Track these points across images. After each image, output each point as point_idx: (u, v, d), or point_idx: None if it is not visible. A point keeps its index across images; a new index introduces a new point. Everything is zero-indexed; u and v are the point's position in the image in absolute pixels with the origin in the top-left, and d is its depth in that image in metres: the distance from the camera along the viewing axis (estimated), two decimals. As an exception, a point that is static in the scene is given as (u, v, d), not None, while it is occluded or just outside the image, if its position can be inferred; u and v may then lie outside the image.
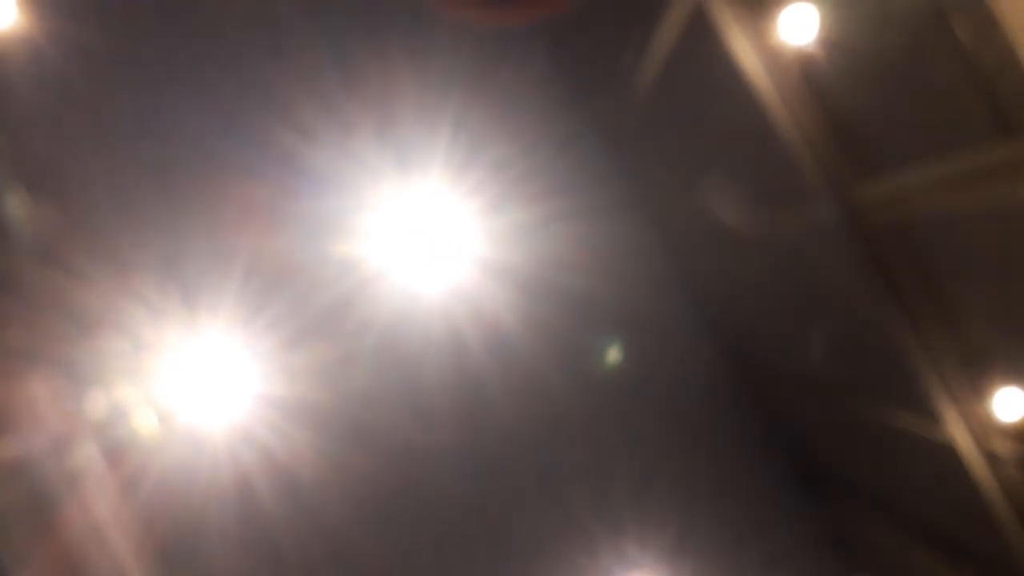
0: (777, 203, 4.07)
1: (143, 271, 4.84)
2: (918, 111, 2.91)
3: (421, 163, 5.02)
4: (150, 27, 4.98)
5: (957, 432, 3.51)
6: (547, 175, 5.36)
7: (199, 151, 4.99)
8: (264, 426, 4.96)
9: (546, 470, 5.66)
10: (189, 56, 5.02)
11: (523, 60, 5.43)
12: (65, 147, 4.94)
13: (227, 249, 4.92)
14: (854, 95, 3.22)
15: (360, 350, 5.21)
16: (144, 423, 4.60)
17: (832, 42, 3.13)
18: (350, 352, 5.19)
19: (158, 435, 4.65)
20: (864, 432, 4.60)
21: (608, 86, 5.18)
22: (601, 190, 5.68)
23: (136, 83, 4.99)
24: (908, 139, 3.06)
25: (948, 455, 3.63)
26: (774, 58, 3.40)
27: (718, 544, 5.61)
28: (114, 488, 4.34)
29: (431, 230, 5.09)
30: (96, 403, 4.41)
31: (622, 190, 5.77)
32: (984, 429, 3.42)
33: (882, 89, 3.05)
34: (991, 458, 3.46)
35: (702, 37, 3.62)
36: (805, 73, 3.37)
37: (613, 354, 5.81)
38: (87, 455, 4.27)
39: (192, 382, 4.74)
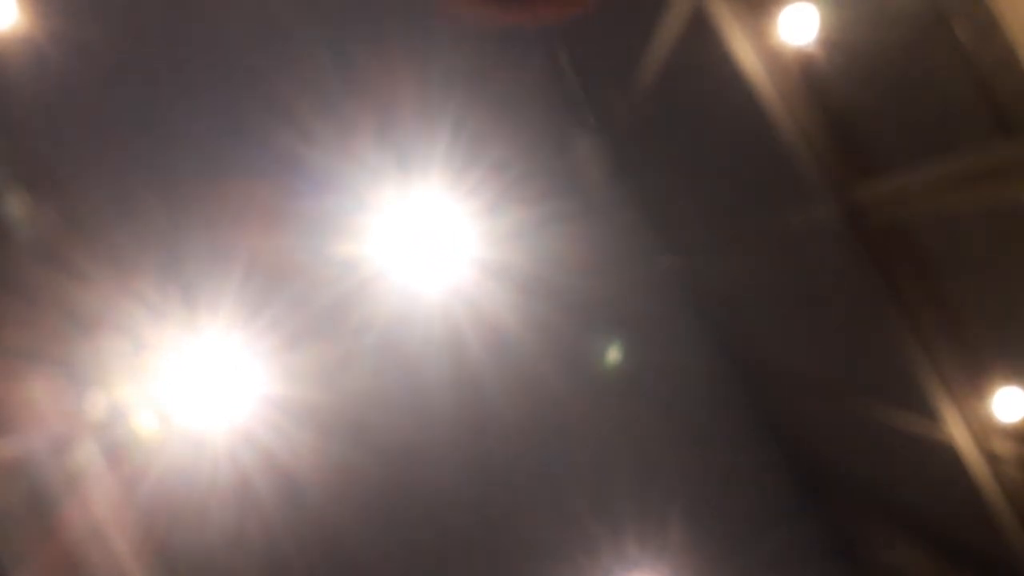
0: (777, 203, 4.07)
1: (143, 271, 4.84)
2: (918, 111, 2.91)
3: (421, 163, 5.03)
4: (150, 27, 4.98)
5: (957, 432, 3.51)
6: (547, 175, 5.37)
7: (199, 151, 4.99)
8: (264, 426, 4.96)
9: (546, 470, 5.66)
10: (189, 56, 5.02)
11: (523, 61, 5.43)
12: (65, 147, 4.94)
13: (227, 249, 4.92)
14: (854, 95, 3.22)
15: (360, 350, 5.21)
16: (144, 423, 4.60)
17: (832, 42, 3.13)
18: (350, 352, 5.19)
19: (158, 435, 4.65)
20: (864, 432, 4.60)
21: (608, 86, 5.18)
22: (601, 190, 5.69)
23: (136, 83, 4.99)
24: (908, 139, 3.06)
25: (948, 455, 3.63)
26: (774, 58, 3.40)
27: (718, 544, 5.61)
28: (114, 488, 4.34)
29: (431, 230, 5.09)
30: (96, 403, 4.41)
31: (622, 190, 5.78)
32: (984, 429, 3.42)
33: (882, 89, 3.05)
34: (991, 458, 3.46)
35: (702, 37, 3.62)
36: (805, 73, 3.37)
37: (613, 354, 5.81)
38: (87, 455, 4.27)
39: (192, 382, 4.74)
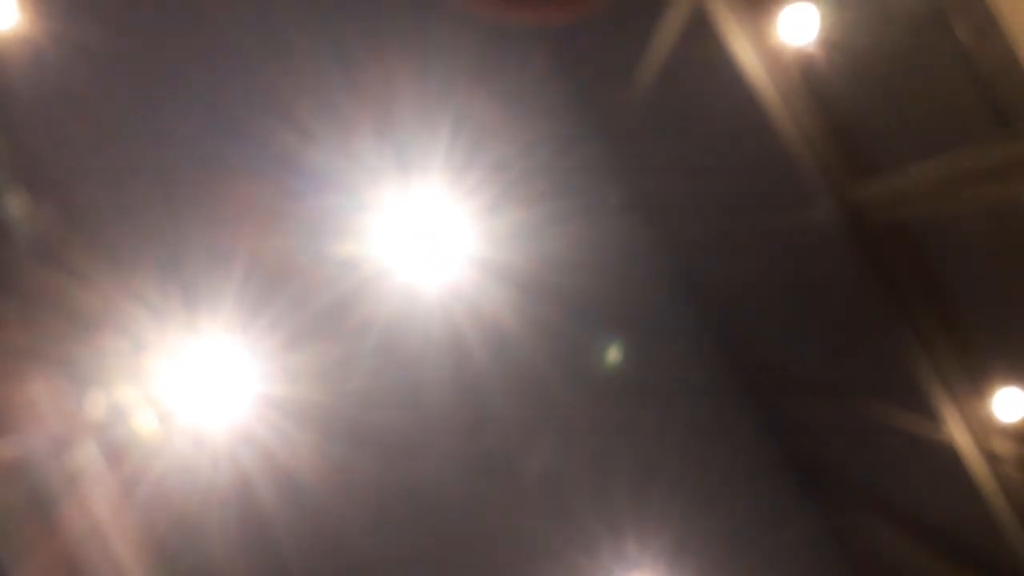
0: (777, 203, 4.07)
1: (143, 271, 4.84)
2: (918, 111, 2.91)
3: (421, 163, 5.03)
4: (150, 27, 4.98)
5: (957, 432, 3.51)
6: (547, 175, 5.36)
7: (199, 151, 4.99)
8: (264, 426, 4.96)
9: (546, 470, 5.66)
10: (189, 56, 5.02)
11: (523, 60, 5.43)
12: (65, 147, 4.94)
13: (227, 249, 4.92)
14: (854, 95, 3.22)
15: (360, 350, 5.21)
16: (144, 423, 4.60)
17: (832, 42, 3.13)
18: (350, 352, 5.19)
19: (158, 435, 4.65)
20: (864, 432, 4.60)
21: (608, 86, 5.18)
22: (601, 190, 5.69)
23: (136, 83, 4.99)
24: (908, 139, 3.06)
25: (948, 455, 3.63)
26: (774, 58, 3.40)
27: (718, 544, 5.61)
28: (114, 488, 4.34)
29: (431, 230, 5.09)
30: (96, 403, 4.41)
31: (622, 190, 5.77)
32: (984, 429, 3.42)
33: (882, 89, 3.05)
34: (991, 458, 3.46)
35: (702, 37, 3.62)
36: (805, 73, 3.37)
37: (613, 354, 5.81)
38: (87, 455, 4.27)
39: (192, 382, 4.74)
